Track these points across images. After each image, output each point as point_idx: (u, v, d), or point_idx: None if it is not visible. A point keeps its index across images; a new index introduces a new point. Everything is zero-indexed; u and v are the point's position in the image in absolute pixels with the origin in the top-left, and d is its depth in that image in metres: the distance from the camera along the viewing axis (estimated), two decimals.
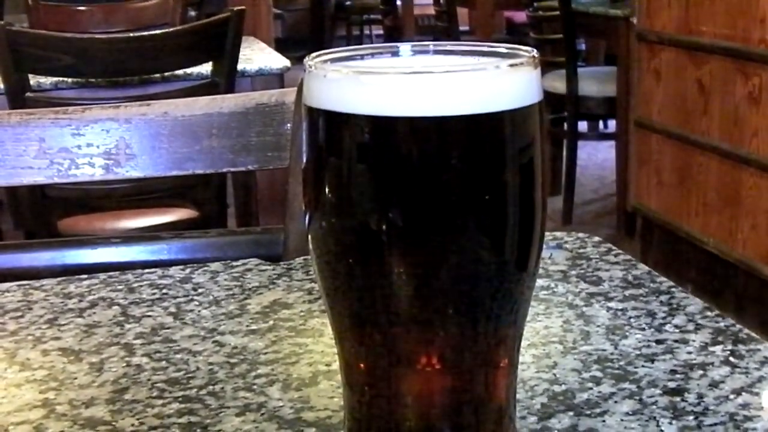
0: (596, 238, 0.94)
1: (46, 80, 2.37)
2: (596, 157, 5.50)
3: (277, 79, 2.64)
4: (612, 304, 0.77)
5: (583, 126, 5.08)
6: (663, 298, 0.78)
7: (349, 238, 0.46)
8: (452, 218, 0.44)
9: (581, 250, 0.90)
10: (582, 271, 0.85)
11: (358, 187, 0.45)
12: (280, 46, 10.53)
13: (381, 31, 9.57)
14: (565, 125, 4.55)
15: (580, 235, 0.95)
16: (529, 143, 0.46)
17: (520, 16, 5.88)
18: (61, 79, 2.38)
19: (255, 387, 0.65)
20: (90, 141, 1.14)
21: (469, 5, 6.52)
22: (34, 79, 2.29)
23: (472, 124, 0.44)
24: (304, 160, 0.47)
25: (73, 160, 1.14)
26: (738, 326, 0.72)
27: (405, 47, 0.49)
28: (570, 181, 4.50)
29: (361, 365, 0.49)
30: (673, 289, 0.80)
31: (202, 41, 2.35)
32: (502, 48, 0.48)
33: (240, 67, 2.44)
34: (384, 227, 0.44)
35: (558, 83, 4.46)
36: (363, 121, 0.44)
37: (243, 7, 2.42)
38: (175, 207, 2.59)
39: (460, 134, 0.44)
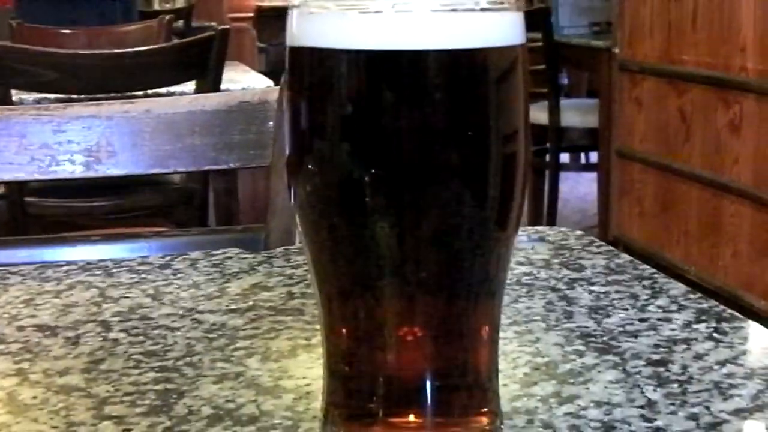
0: (578, 232, 0.94)
1: (29, 96, 2.36)
2: (578, 190, 5.52)
3: None
4: (595, 288, 0.77)
5: (565, 158, 5.09)
6: (646, 282, 0.78)
7: (333, 191, 0.45)
8: (434, 160, 0.44)
9: (563, 242, 0.90)
10: (564, 260, 0.84)
11: (339, 125, 0.44)
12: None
13: None
14: (547, 157, 4.56)
15: (563, 229, 0.95)
16: (511, 83, 0.46)
17: None
18: (43, 95, 2.37)
19: (233, 359, 0.64)
20: (71, 138, 1.13)
21: None
22: (17, 95, 2.28)
23: (452, 58, 0.43)
24: (287, 109, 0.47)
25: (53, 157, 1.13)
26: (722, 307, 0.72)
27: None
28: (552, 212, 4.51)
29: (343, 329, 0.48)
30: (655, 275, 0.79)
31: (186, 59, 2.35)
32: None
33: (223, 86, 2.44)
34: (367, 172, 0.44)
35: (540, 114, 4.47)
36: (346, 56, 0.43)
37: (227, 26, 2.42)
38: (157, 225, 2.58)
39: (441, 69, 0.43)
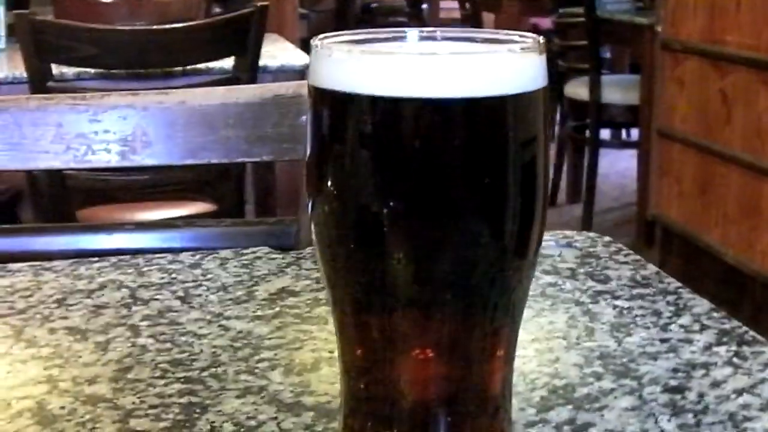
0: (606, 238, 0.94)
1: (69, 70, 2.38)
2: (618, 166, 5.48)
3: (299, 76, 2.64)
4: (618, 303, 0.77)
5: (606, 134, 5.06)
6: (670, 298, 0.78)
7: (350, 220, 0.46)
8: (452, 202, 0.44)
9: (591, 249, 0.90)
10: (590, 270, 0.85)
11: (359, 167, 0.45)
12: (305, 47, 10.55)
13: None
14: (587, 133, 4.54)
15: (591, 234, 0.95)
16: (533, 128, 0.46)
17: (546, 23, 5.86)
18: (83, 69, 2.39)
19: (257, 371, 0.65)
20: (107, 127, 1.15)
21: (495, 10, 6.51)
22: (57, 69, 2.31)
23: (474, 106, 0.44)
24: (308, 142, 0.47)
25: (89, 146, 1.15)
26: (744, 328, 0.72)
27: (413, 32, 0.49)
28: (590, 188, 4.49)
29: (359, 351, 0.49)
30: (680, 290, 0.80)
31: (224, 36, 2.35)
32: (509, 35, 0.48)
33: (262, 63, 2.45)
34: (384, 209, 0.44)
35: (581, 90, 4.45)
36: (366, 101, 0.44)
37: (266, 3, 2.42)
38: (193, 200, 2.60)
39: (463, 117, 0.44)
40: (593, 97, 4.32)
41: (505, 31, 0.49)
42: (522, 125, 0.46)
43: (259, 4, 2.42)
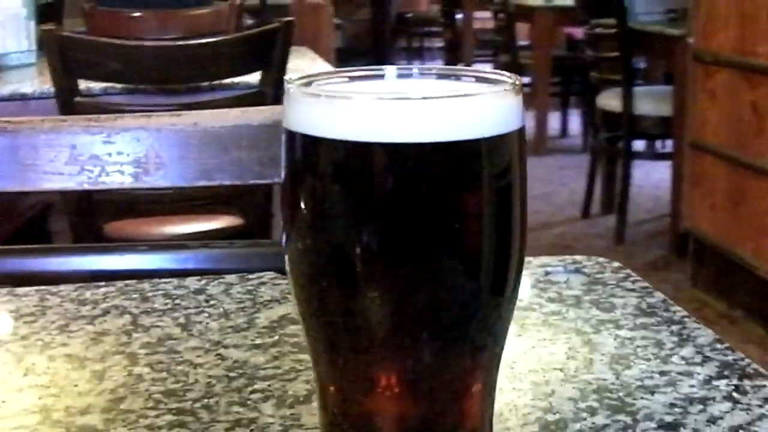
0: (616, 264, 0.93)
1: (96, 85, 2.40)
2: (652, 177, 5.44)
3: None
4: (621, 333, 0.76)
5: (640, 145, 5.03)
6: (674, 328, 0.77)
7: (323, 264, 0.46)
8: (423, 247, 0.44)
9: (599, 275, 0.89)
10: (596, 297, 0.84)
11: (330, 213, 0.45)
12: (340, 56, 10.59)
13: (442, 44, 9.58)
14: (620, 144, 4.51)
15: (600, 259, 0.94)
16: (507, 170, 0.45)
17: (580, 33, 5.84)
18: (110, 84, 2.41)
19: (249, 402, 0.65)
20: (120, 149, 1.15)
21: (529, 20, 6.49)
22: (84, 84, 2.32)
23: (447, 151, 0.43)
24: (282, 177, 0.47)
25: (103, 168, 1.15)
26: (747, 360, 0.71)
27: (390, 70, 0.49)
28: (623, 200, 4.46)
29: (333, 388, 0.49)
30: (685, 319, 0.78)
31: (250, 51, 2.36)
32: (486, 74, 0.48)
33: (288, 77, 2.45)
34: (356, 255, 0.44)
35: (614, 102, 4.42)
36: (334, 147, 0.43)
37: (292, 18, 2.43)
38: (221, 214, 2.61)
39: (435, 162, 0.43)
40: (626, 109, 4.30)
41: (484, 70, 0.48)
42: (497, 168, 0.45)
43: (285, 19, 2.42)
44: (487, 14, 7.16)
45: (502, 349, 0.51)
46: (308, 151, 0.45)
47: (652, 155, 5.09)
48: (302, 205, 0.46)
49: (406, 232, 0.44)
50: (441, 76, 0.49)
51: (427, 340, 0.46)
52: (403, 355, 0.47)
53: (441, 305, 0.46)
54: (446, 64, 8.69)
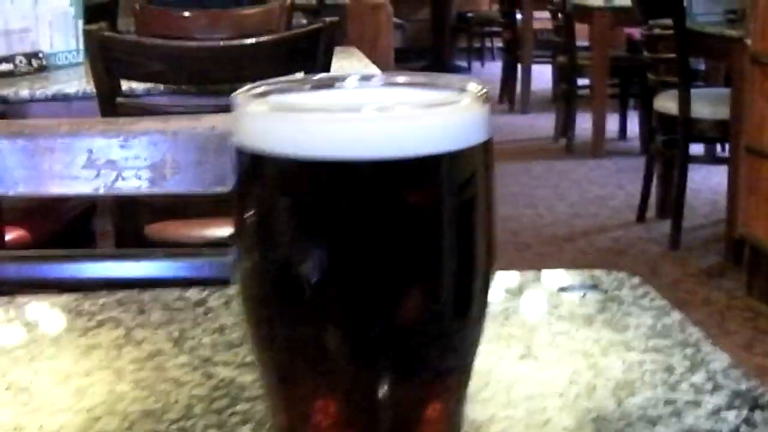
0: (636, 280, 0.88)
1: (138, 86, 2.40)
2: (711, 181, 5.33)
3: None
4: (630, 356, 0.72)
5: (699, 148, 4.93)
6: (688, 351, 0.72)
7: (270, 286, 0.43)
8: (378, 272, 0.41)
9: (616, 292, 0.85)
10: (609, 316, 0.79)
11: (276, 233, 0.41)
12: (400, 56, 10.55)
13: (501, 44, 9.50)
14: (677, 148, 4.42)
15: (620, 274, 0.90)
16: (470, 186, 0.42)
17: (639, 34, 5.74)
18: (153, 85, 2.40)
19: (227, 425, 0.62)
20: (137, 153, 1.13)
21: (587, 21, 6.40)
22: (126, 85, 2.32)
23: (404, 168, 0.40)
24: (230, 196, 0.44)
25: (119, 173, 1.14)
26: (762, 389, 0.66)
27: (351, 80, 0.45)
28: (679, 205, 4.37)
29: (285, 417, 0.46)
30: (700, 343, 0.74)
31: (293, 51, 2.34)
32: (451, 82, 0.44)
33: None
34: (304, 279, 0.41)
35: (671, 104, 4.33)
36: (279, 163, 0.40)
37: (336, 18, 2.41)
38: None
39: (391, 180, 0.40)
40: (682, 112, 4.21)
41: (453, 77, 0.45)
42: (459, 184, 0.42)
43: (329, 19, 2.40)
44: (547, 14, 7.07)
45: (469, 372, 0.47)
46: (254, 167, 0.42)
47: (710, 159, 4.98)
48: (249, 224, 0.43)
49: (358, 255, 0.40)
50: (405, 85, 0.46)
51: (384, 367, 0.43)
52: (359, 383, 0.43)
53: (398, 330, 0.42)
54: (505, 64, 8.61)
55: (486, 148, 0.43)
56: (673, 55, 4.25)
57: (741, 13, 4.03)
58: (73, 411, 0.65)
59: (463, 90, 0.44)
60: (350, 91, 0.45)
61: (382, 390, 0.43)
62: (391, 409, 0.44)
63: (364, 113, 0.40)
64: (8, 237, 2.18)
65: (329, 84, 0.45)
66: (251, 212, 0.42)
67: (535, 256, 4.30)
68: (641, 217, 4.79)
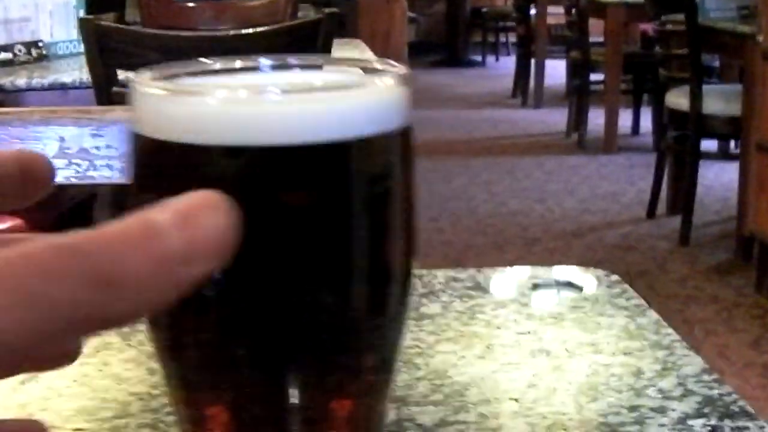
0: (614, 277, 0.85)
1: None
2: (723, 178, 5.28)
3: None
4: (598, 358, 0.68)
5: (712, 145, 4.87)
6: (660, 354, 0.69)
7: None
8: (280, 269, 0.37)
9: (591, 290, 0.81)
10: (581, 315, 0.76)
11: None
12: (414, 51, 10.52)
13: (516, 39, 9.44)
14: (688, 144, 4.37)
15: (599, 272, 0.86)
16: (385, 176, 0.38)
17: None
18: None
19: (161, 425, 0.59)
20: (109, 143, 1.10)
21: (601, 16, 6.35)
22: (122, 74, 2.29)
23: (308, 154, 0.36)
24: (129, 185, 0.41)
25: (91, 162, 1.10)
26: (734, 396, 0.62)
27: (264, 62, 0.42)
28: (689, 201, 4.31)
29: (190, 425, 0.42)
30: (675, 344, 0.70)
31: (290, 43, 2.30)
32: (370, 65, 0.41)
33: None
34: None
35: (682, 100, 4.28)
36: (173, 150, 0.37)
37: (335, 10, 2.37)
38: None
39: (294, 166, 0.36)
40: (693, 107, 4.15)
41: (373, 60, 0.41)
42: (371, 174, 0.38)
43: (328, 10, 2.37)
44: (562, 10, 7.01)
45: (390, 372, 0.43)
46: (151, 155, 0.38)
47: (723, 156, 4.93)
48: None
49: (257, 251, 0.37)
50: (319, 68, 0.42)
51: (292, 370, 0.39)
52: (265, 388, 0.40)
53: (306, 331, 0.39)
54: (519, 59, 8.55)
55: (404, 135, 0.39)
56: (685, 51, 4.19)
57: (753, 9, 3.97)
58: (3, 407, 0.62)
59: (380, 72, 0.40)
60: (261, 75, 0.42)
61: (291, 393, 0.40)
62: (300, 413, 0.40)
63: (266, 96, 0.36)
64: (4, 226, 2.15)
65: (240, 68, 0.42)
66: (148, 203, 0.39)
67: (543, 251, 4.26)
68: (651, 213, 4.74)
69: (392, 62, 0.40)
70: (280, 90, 0.37)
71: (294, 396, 0.40)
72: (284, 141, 0.36)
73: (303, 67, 0.42)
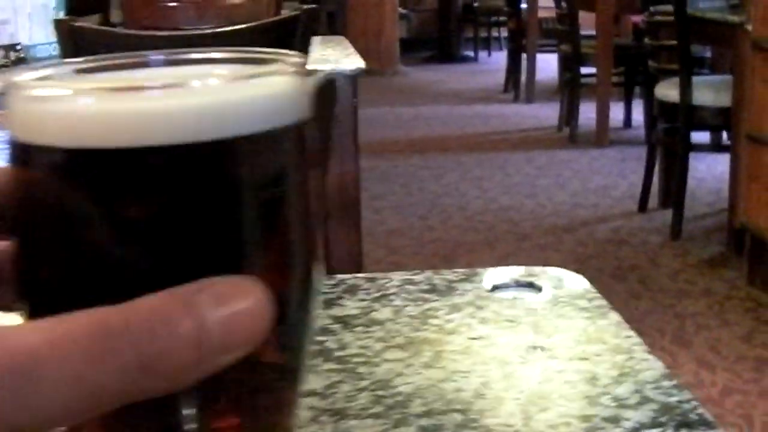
0: (579, 278, 0.81)
1: None
2: (715, 170, 5.25)
3: (350, 81, 2.54)
4: (552, 364, 0.64)
5: (703, 137, 4.84)
6: (618, 358, 0.65)
7: (34, 298, 0.36)
8: (165, 277, 0.34)
9: (552, 291, 0.78)
10: (539, 318, 0.72)
11: (50, 237, 0.34)
12: (405, 47, 10.45)
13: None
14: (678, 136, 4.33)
15: (563, 272, 0.82)
16: (276, 175, 0.35)
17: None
18: None
19: None
20: None
21: (591, 8, 6.31)
22: None
23: (186, 154, 0.33)
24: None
25: None
26: (693, 403, 0.59)
27: (154, 58, 0.38)
28: (680, 194, 4.28)
29: None
30: (635, 348, 0.67)
31: (267, 41, 2.27)
32: (267, 56, 0.37)
33: (311, 67, 2.36)
34: (61, 287, 0.34)
35: (672, 92, 4.25)
36: (52, 155, 0.34)
37: (315, 6, 2.34)
38: None
39: (173, 167, 0.33)
40: (683, 99, 4.12)
41: (267, 51, 0.38)
42: (259, 173, 0.34)
43: (307, 6, 2.33)
44: (552, 3, 6.97)
45: (296, 380, 0.39)
46: (25, 161, 0.35)
47: (713, 147, 4.89)
48: (21, 226, 0.36)
49: (139, 260, 0.33)
50: (210, 62, 0.38)
51: (185, 392, 0.36)
52: (156, 403, 0.36)
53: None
54: (510, 54, 8.52)
55: (299, 130, 0.36)
56: (674, 42, 4.16)
57: None
58: None
59: (273, 63, 0.37)
60: (146, 71, 0.38)
61: (183, 407, 0.36)
62: (194, 424, 0.37)
63: (144, 94, 0.33)
64: None
65: (124, 65, 0.38)
66: (25, 214, 0.35)
67: (534, 247, 4.23)
68: (643, 207, 4.71)
69: (293, 53, 0.37)
70: (159, 86, 0.33)
71: (183, 415, 0.36)
72: (159, 141, 0.33)
73: (198, 61, 0.39)
